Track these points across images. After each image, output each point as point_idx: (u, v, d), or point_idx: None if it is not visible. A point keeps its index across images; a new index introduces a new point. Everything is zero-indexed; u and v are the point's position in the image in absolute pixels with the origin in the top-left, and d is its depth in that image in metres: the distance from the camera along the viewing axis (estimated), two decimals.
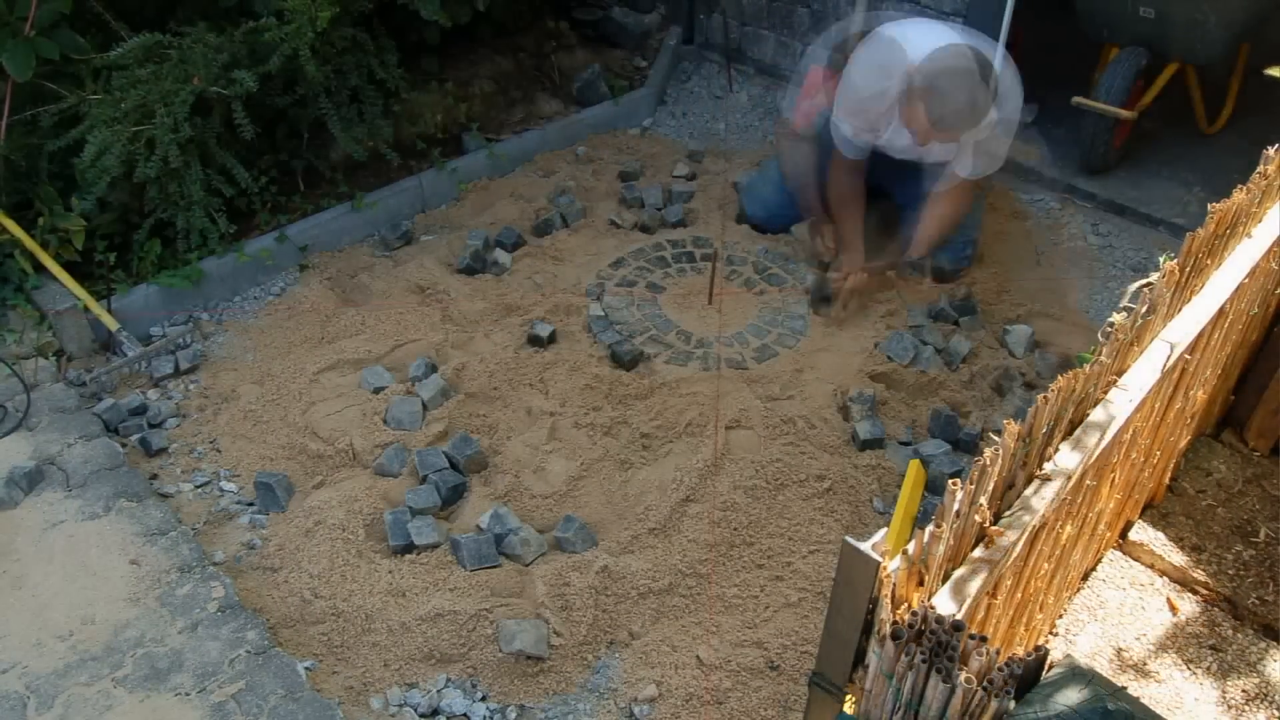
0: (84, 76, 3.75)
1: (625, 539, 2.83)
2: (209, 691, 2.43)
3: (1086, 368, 1.84)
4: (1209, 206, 2.13)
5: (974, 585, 1.56)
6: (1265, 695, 2.37)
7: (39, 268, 3.58)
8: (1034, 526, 1.73)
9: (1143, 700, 2.33)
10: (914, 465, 2.98)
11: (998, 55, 3.61)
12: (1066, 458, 1.80)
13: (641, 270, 3.99)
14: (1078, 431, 1.85)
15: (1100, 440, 1.85)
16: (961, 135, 3.46)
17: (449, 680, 2.52)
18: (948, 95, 3.30)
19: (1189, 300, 2.16)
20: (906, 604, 1.48)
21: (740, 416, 3.22)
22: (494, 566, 2.76)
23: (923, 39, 3.49)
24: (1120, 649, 2.48)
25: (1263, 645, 2.49)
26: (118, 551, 2.78)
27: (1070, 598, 2.59)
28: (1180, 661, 2.45)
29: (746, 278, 3.94)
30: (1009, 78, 3.51)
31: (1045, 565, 2.08)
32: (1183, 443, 2.82)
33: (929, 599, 1.53)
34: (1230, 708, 2.35)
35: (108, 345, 3.58)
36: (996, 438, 1.60)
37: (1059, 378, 1.75)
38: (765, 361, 3.52)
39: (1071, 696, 1.39)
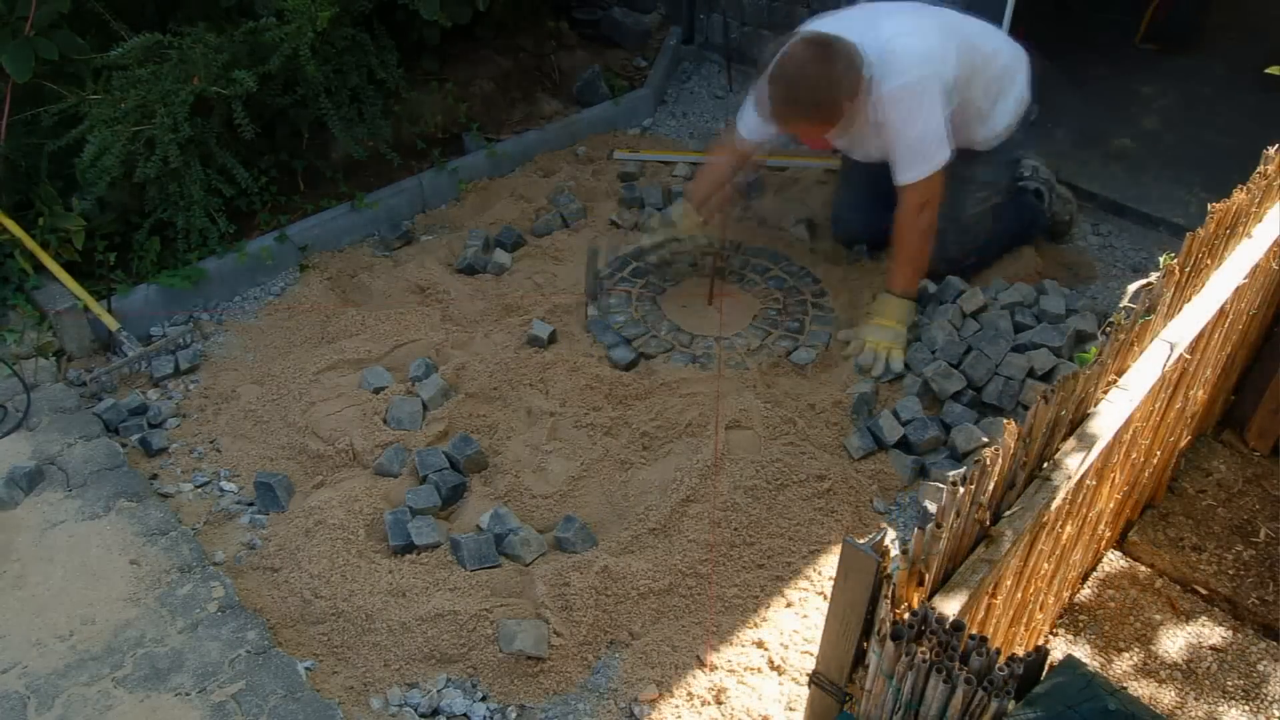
0: (84, 76, 3.76)
1: (625, 539, 2.83)
2: (209, 691, 2.43)
3: (1086, 368, 1.84)
4: (1209, 206, 2.13)
5: (974, 585, 1.56)
6: (1266, 695, 2.37)
7: (39, 268, 3.58)
8: (1034, 526, 1.73)
9: (1143, 700, 2.33)
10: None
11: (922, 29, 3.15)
12: (1066, 458, 1.80)
13: (641, 270, 3.99)
14: (1078, 431, 1.85)
15: (1100, 440, 1.85)
16: (799, 119, 3.18)
17: (449, 680, 2.52)
18: (776, 76, 3.10)
19: (1189, 300, 2.16)
20: (906, 604, 1.49)
21: (740, 416, 3.22)
22: (494, 566, 2.76)
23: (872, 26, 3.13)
24: (1120, 649, 2.48)
25: (1263, 645, 2.48)
26: (118, 551, 2.78)
27: (1070, 598, 2.59)
28: (1180, 661, 2.45)
29: (746, 278, 3.94)
30: (904, 46, 3.07)
31: (1045, 565, 2.08)
32: (1183, 443, 2.82)
33: (929, 599, 1.53)
34: (1231, 708, 2.35)
35: (108, 345, 3.58)
36: None
37: (1059, 378, 1.75)
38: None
39: (1072, 696, 1.39)
